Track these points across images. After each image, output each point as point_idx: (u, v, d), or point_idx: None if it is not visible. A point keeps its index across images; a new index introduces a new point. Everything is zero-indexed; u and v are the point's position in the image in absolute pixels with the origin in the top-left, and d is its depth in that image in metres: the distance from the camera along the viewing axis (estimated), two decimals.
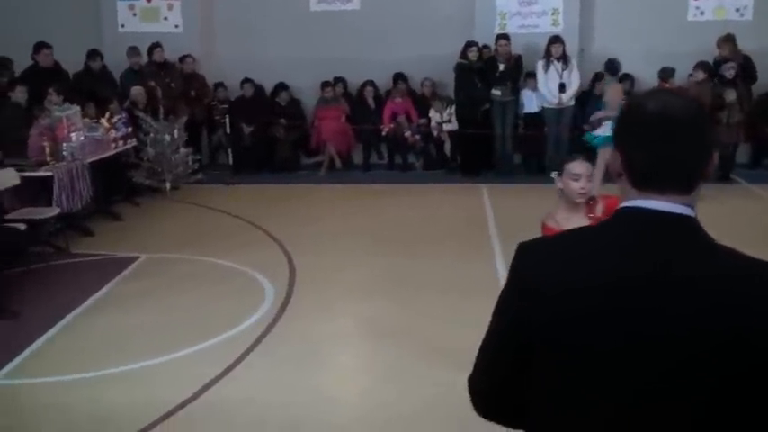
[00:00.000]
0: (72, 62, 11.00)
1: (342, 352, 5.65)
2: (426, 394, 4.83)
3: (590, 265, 1.54)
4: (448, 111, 11.66)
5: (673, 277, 1.47)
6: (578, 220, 3.76)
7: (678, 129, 1.52)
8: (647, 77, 10.93)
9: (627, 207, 1.57)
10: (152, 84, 11.09)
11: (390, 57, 11.92)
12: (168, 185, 10.27)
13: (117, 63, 11.45)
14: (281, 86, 12.13)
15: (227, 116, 11.77)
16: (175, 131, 10.31)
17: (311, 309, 6.32)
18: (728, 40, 10.99)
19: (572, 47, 11.39)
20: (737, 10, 11.82)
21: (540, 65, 11.19)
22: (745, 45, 11.08)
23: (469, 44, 11.33)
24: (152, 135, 10.11)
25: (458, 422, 4.35)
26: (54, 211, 7.75)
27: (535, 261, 1.61)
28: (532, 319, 1.54)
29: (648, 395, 1.46)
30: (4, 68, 9.98)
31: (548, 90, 11.15)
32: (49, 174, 7.85)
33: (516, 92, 11.46)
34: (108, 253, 7.85)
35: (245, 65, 12.00)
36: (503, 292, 1.65)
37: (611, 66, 10.84)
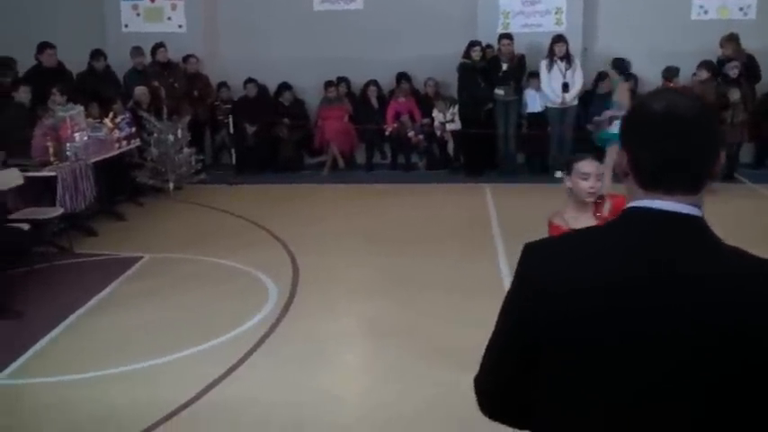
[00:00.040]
0: (76, 62, 11.02)
1: (345, 352, 5.65)
2: (429, 394, 4.83)
3: (596, 264, 1.54)
4: (451, 110, 11.66)
5: (678, 276, 1.47)
6: (586, 220, 3.75)
7: (684, 128, 1.52)
8: (651, 76, 10.91)
9: (634, 207, 1.57)
10: (155, 84, 11.09)
11: (394, 56, 11.92)
12: (171, 185, 10.28)
13: (120, 63, 11.47)
14: (285, 86, 12.14)
15: (230, 116, 11.77)
16: (179, 131, 10.32)
17: (314, 308, 6.32)
18: (731, 39, 10.98)
19: (575, 46, 11.38)
20: (741, 9, 11.81)
21: (544, 64, 11.18)
22: (748, 44, 11.06)
23: (473, 44, 11.32)
24: (155, 135, 10.12)
25: (461, 422, 4.35)
26: (57, 211, 7.76)
27: (541, 261, 1.61)
28: (538, 318, 1.54)
29: (652, 394, 1.46)
30: (8, 68, 9.99)
31: (551, 89, 11.14)
32: (52, 174, 7.85)
33: (519, 91, 11.44)
34: (111, 253, 7.86)
35: (249, 65, 12.01)
36: (509, 292, 1.65)
37: (621, 64, 10.83)
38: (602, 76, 11.38)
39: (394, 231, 8.51)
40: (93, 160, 8.52)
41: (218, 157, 12.46)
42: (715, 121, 1.64)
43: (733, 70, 10.74)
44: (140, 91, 10.73)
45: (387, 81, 12.18)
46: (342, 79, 12.22)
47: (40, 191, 7.98)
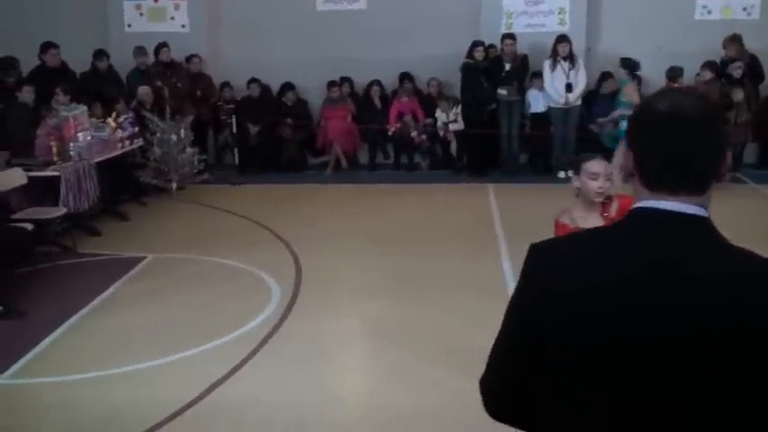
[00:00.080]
0: (79, 62, 11.04)
1: (348, 352, 5.65)
2: (432, 394, 4.82)
3: (601, 264, 1.54)
4: (454, 110, 11.64)
5: (682, 277, 1.47)
6: (594, 220, 3.74)
7: (688, 128, 1.52)
8: (654, 77, 10.89)
9: (639, 208, 1.57)
10: (159, 83, 11.09)
11: (397, 56, 11.91)
12: (174, 185, 10.28)
13: (124, 63, 11.48)
14: (288, 86, 12.13)
15: (233, 116, 11.77)
16: (182, 131, 10.32)
17: (317, 308, 6.32)
18: (734, 40, 10.96)
19: (578, 46, 11.37)
20: (744, 9, 11.78)
21: (547, 64, 11.16)
22: (752, 44, 11.04)
23: (476, 44, 11.31)
24: (158, 135, 10.12)
25: (463, 423, 4.35)
26: (61, 210, 7.77)
27: (547, 261, 1.61)
28: (544, 318, 1.54)
29: (653, 394, 1.46)
30: (11, 68, 10.01)
31: (554, 90, 11.12)
32: (55, 173, 7.87)
33: (522, 92, 11.43)
34: (114, 253, 7.86)
35: (252, 65, 12.01)
36: (514, 292, 1.65)
37: (630, 63, 10.81)
38: (605, 77, 11.37)
39: (397, 231, 8.51)
40: (97, 160, 8.53)
41: (221, 157, 12.45)
42: (720, 120, 1.63)
43: (736, 70, 10.72)
44: (143, 91, 10.74)
45: (390, 81, 12.17)
46: (345, 79, 12.21)
47: (44, 190, 7.99)
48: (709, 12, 11.87)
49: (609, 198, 3.94)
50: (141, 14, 12.54)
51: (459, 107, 11.60)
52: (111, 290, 6.81)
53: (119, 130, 9.30)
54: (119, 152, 9.25)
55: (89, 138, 8.55)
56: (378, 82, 12.10)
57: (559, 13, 11.87)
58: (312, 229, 8.57)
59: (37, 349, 5.57)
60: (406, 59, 11.92)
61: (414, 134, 11.76)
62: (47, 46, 10.50)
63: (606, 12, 11.98)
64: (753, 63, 11.01)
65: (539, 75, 11.32)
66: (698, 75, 10.83)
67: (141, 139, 9.91)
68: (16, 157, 8.08)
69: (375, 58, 11.98)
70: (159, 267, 7.44)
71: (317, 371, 5.23)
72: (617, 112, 10.33)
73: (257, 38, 12.26)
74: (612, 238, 1.59)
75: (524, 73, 11.45)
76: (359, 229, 8.63)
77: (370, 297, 6.52)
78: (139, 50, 11.43)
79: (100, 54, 11.18)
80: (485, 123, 11.43)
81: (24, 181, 7.74)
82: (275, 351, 5.52)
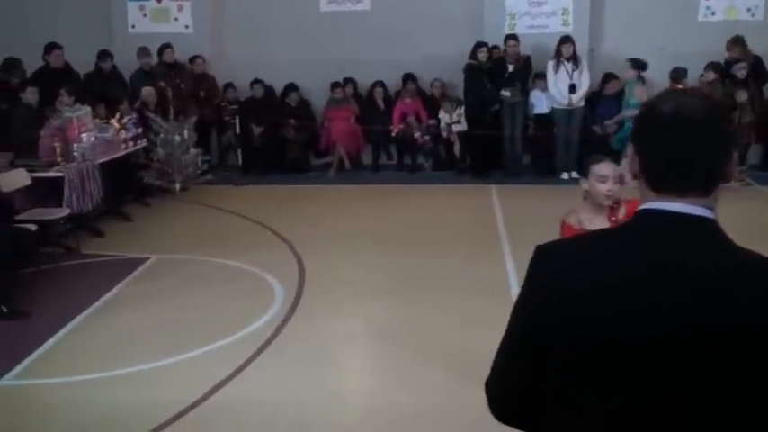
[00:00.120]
0: (83, 63, 11.05)
1: (351, 353, 5.65)
2: (434, 395, 4.82)
3: (606, 266, 1.54)
4: (457, 111, 11.64)
5: (684, 276, 1.47)
6: (601, 222, 3.71)
7: (693, 129, 1.52)
8: (658, 78, 10.88)
9: (644, 209, 1.57)
10: (162, 84, 11.11)
11: (400, 57, 11.91)
12: (178, 186, 10.29)
13: (127, 64, 11.49)
14: (291, 87, 12.13)
15: (236, 117, 11.79)
16: (185, 132, 10.33)
17: (321, 309, 6.32)
18: (737, 42, 10.94)
19: (582, 47, 11.36)
20: (749, 10, 11.76)
21: (551, 65, 11.15)
22: (756, 45, 11.02)
23: (479, 45, 11.31)
24: (162, 136, 10.13)
25: (465, 424, 4.35)
26: (64, 211, 7.78)
27: (552, 263, 1.61)
28: (549, 320, 1.54)
29: (653, 394, 1.47)
30: (15, 69, 10.03)
31: (558, 91, 11.11)
32: (59, 174, 7.88)
33: (526, 93, 11.42)
34: (118, 254, 7.87)
35: (255, 65, 12.02)
36: (519, 294, 1.65)
37: (640, 64, 10.79)
38: (608, 78, 11.36)
39: (400, 232, 8.51)
40: (100, 161, 8.54)
41: (225, 158, 12.47)
42: (725, 121, 1.63)
43: (740, 71, 10.71)
44: (147, 92, 10.75)
45: (393, 82, 12.17)
46: (348, 80, 12.21)
47: (47, 191, 8.01)
48: (713, 13, 11.85)
49: (617, 202, 3.91)
50: (145, 15, 12.56)
51: (463, 108, 11.59)
52: (114, 291, 6.82)
53: (122, 131, 9.31)
54: (122, 153, 9.26)
55: (93, 139, 8.56)
56: (381, 83, 12.11)
57: (563, 14, 11.85)
58: (315, 230, 8.58)
59: (41, 350, 5.58)
60: (410, 60, 11.93)
61: (417, 135, 11.76)
62: (50, 47, 10.51)
63: (609, 13, 11.97)
64: (756, 64, 11.00)
65: (542, 76, 11.31)
66: (701, 76, 10.82)
67: (145, 140, 9.91)
68: (20, 157, 8.09)
69: (378, 59, 11.98)
70: (162, 268, 7.44)
71: (320, 372, 5.23)
72: (627, 113, 10.32)
73: (261, 39, 12.27)
74: (616, 240, 1.59)
75: (527, 74, 11.44)
76: (362, 230, 8.64)
77: (374, 298, 6.52)
78: (143, 51, 11.44)
79: (104, 55, 11.20)
80: (488, 124, 11.43)
81: (28, 182, 7.75)
82: (279, 352, 5.52)
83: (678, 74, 10.61)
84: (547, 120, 11.40)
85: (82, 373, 5.21)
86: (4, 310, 6.13)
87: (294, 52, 12.19)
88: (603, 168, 3.89)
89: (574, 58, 11.06)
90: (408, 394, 4.87)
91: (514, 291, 6.14)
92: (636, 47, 11.23)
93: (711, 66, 10.68)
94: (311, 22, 12.32)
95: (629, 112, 10.14)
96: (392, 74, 12.04)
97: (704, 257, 1.49)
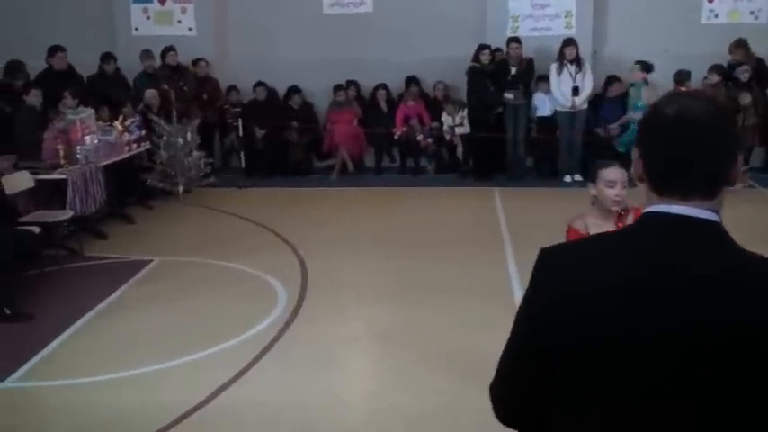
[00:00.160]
0: (86, 65, 11.08)
1: (354, 355, 5.66)
2: (436, 398, 4.82)
3: (609, 267, 1.54)
4: (460, 114, 11.64)
5: (685, 277, 1.47)
6: (608, 229, 3.69)
7: (696, 132, 1.52)
8: (661, 80, 10.87)
9: (649, 212, 1.57)
10: (165, 87, 11.12)
11: (403, 60, 11.92)
12: (181, 189, 10.30)
13: (131, 66, 11.51)
14: (294, 90, 12.15)
15: (239, 119, 11.78)
16: (188, 134, 10.34)
17: (324, 312, 6.32)
18: (740, 45, 10.94)
19: (585, 49, 11.35)
20: (752, 13, 11.75)
21: (554, 68, 11.14)
22: (759, 48, 11.02)
23: (482, 47, 11.31)
24: (165, 138, 10.14)
25: (467, 426, 4.35)
26: (68, 213, 7.79)
27: (556, 265, 1.62)
28: (554, 322, 1.55)
29: (653, 395, 1.47)
30: (19, 72, 10.05)
31: (561, 93, 11.10)
32: (62, 177, 7.89)
33: (528, 95, 11.42)
34: (121, 256, 7.88)
35: (258, 68, 12.03)
36: (524, 296, 1.65)
37: (648, 66, 10.79)
38: (611, 80, 11.35)
39: (403, 235, 8.51)
40: (104, 163, 8.55)
41: (228, 161, 12.47)
42: (730, 123, 1.63)
43: (744, 74, 10.70)
44: (150, 94, 10.76)
45: (396, 84, 12.18)
46: (351, 83, 12.22)
47: (51, 194, 8.02)
48: (716, 15, 11.84)
49: (626, 209, 3.89)
50: (148, 18, 12.58)
51: (466, 111, 11.59)
52: (117, 293, 6.83)
53: (126, 134, 9.32)
54: (125, 155, 9.27)
55: (96, 141, 8.57)
56: (384, 85, 12.11)
57: (566, 17, 11.85)
58: (318, 233, 8.58)
59: (44, 352, 5.59)
60: (413, 63, 11.94)
61: (420, 138, 11.76)
62: (54, 49, 10.53)
63: (612, 15, 11.96)
64: (760, 67, 10.99)
65: (545, 78, 11.31)
66: (705, 78, 10.80)
67: (148, 143, 9.92)
68: (23, 160, 8.10)
69: (381, 61, 12.00)
70: (166, 270, 7.45)
71: (322, 374, 5.23)
72: (634, 116, 10.31)
73: (264, 41, 12.28)
74: (619, 242, 1.60)
75: (530, 77, 11.44)
76: (365, 232, 8.64)
77: (376, 301, 6.53)
78: (146, 54, 11.46)
79: (107, 57, 11.22)
80: (491, 127, 11.42)
81: (31, 184, 7.76)
82: (281, 354, 5.53)
83: (682, 76, 10.60)
84: (550, 122, 11.39)
85: (85, 375, 5.22)
86: (8, 312, 6.15)
87: (297, 55, 12.19)
88: (612, 173, 3.88)
89: (577, 61, 11.04)
90: (411, 396, 4.87)
91: (517, 293, 6.14)
92: (639, 49, 11.23)
93: (714, 68, 10.67)
94: (314, 24, 12.33)
95: (637, 115, 10.11)
96: (395, 76, 12.05)
97: (707, 259, 1.49)
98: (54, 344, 5.73)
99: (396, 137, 11.89)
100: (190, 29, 12.55)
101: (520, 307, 1.65)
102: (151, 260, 7.68)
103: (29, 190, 7.75)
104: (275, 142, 12.01)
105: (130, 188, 9.85)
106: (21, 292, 6.48)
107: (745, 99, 10.53)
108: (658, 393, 1.46)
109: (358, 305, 6.48)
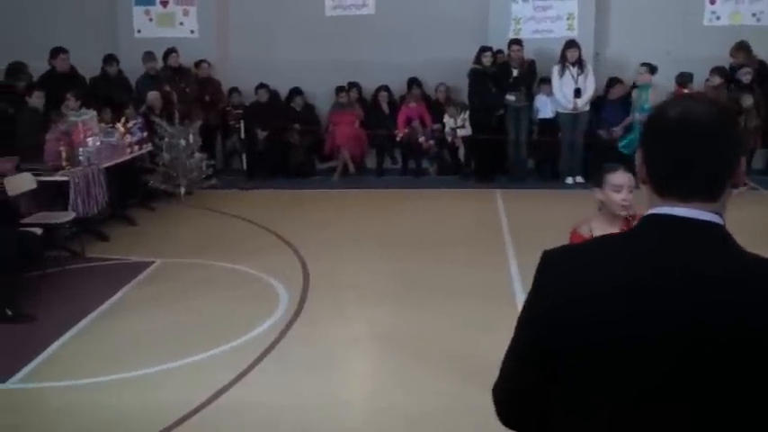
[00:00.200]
0: (88, 67, 11.10)
1: (355, 357, 5.65)
2: (437, 399, 4.82)
3: (612, 269, 1.54)
4: (462, 116, 11.65)
5: (686, 278, 1.47)
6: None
7: (698, 134, 1.52)
8: (663, 82, 10.87)
9: (651, 214, 1.57)
10: (167, 89, 11.13)
11: (405, 62, 11.93)
12: (183, 190, 10.31)
13: (133, 68, 11.53)
14: (296, 91, 12.16)
15: (241, 121, 11.81)
16: (190, 136, 10.36)
17: (325, 314, 6.32)
18: (741, 48, 10.94)
19: (587, 51, 11.35)
20: (754, 15, 11.75)
21: (556, 70, 11.14)
22: (761, 50, 11.02)
23: (484, 49, 11.31)
24: (167, 140, 10.16)
25: (468, 427, 4.35)
26: (70, 215, 7.80)
27: (559, 267, 1.62)
28: (557, 324, 1.55)
29: (653, 395, 1.47)
30: (21, 73, 10.07)
31: (563, 95, 11.11)
32: (65, 178, 7.90)
33: (530, 97, 11.42)
34: (123, 257, 7.89)
35: (260, 70, 12.05)
36: (527, 298, 1.65)
37: (653, 68, 10.79)
38: (613, 82, 11.35)
39: (404, 236, 8.51)
40: (106, 165, 8.57)
41: (230, 162, 12.49)
42: (733, 126, 1.63)
43: (746, 76, 10.70)
44: (153, 96, 10.78)
45: (398, 86, 12.18)
46: (353, 84, 12.23)
47: (53, 195, 8.03)
48: (718, 17, 11.84)
49: (633, 215, 3.84)
50: (150, 20, 12.60)
51: (467, 113, 11.60)
52: (119, 294, 6.83)
53: (128, 135, 9.34)
54: (128, 157, 9.29)
55: (98, 143, 8.59)
56: (386, 87, 12.12)
57: (568, 19, 11.86)
58: (320, 235, 8.58)
59: (46, 353, 5.59)
60: (414, 65, 11.94)
61: (421, 139, 11.76)
62: (57, 51, 10.55)
63: (614, 17, 11.96)
64: (762, 69, 10.99)
65: (547, 80, 11.31)
66: (707, 80, 10.80)
67: (150, 144, 9.94)
68: (26, 161, 8.12)
69: (383, 63, 12.00)
70: (167, 272, 7.46)
71: (323, 375, 5.23)
72: (639, 117, 10.30)
73: (266, 43, 12.30)
74: (622, 244, 1.60)
75: (532, 79, 11.44)
76: (366, 234, 8.64)
77: (378, 302, 6.53)
78: (148, 56, 11.48)
79: (109, 59, 11.24)
80: (493, 129, 11.42)
81: (34, 185, 7.77)
82: (282, 356, 5.53)
83: (684, 78, 10.60)
84: (551, 124, 11.40)
85: (87, 376, 5.22)
86: (10, 313, 6.15)
87: (299, 56, 12.20)
88: (618, 177, 3.84)
89: (579, 63, 11.05)
90: (411, 398, 4.86)
91: (519, 295, 6.14)
92: (641, 51, 11.23)
93: (716, 70, 10.67)
94: (316, 26, 12.35)
95: (643, 117, 10.10)
96: (397, 78, 12.06)
97: (709, 261, 1.49)
98: (56, 345, 5.74)
99: (397, 138, 11.90)
100: (192, 31, 12.57)
101: (522, 309, 1.66)
102: (153, 262, 7.68)
103: (31, 191, 7.76)
104: (277, 144, 12.02)
105: (132, 190, 9.86)
106: (23, 294, 6.48)
107: (748, 101, 10.53)
108: (658, 393, 1.46)
109: (359, 307, 6.48)
